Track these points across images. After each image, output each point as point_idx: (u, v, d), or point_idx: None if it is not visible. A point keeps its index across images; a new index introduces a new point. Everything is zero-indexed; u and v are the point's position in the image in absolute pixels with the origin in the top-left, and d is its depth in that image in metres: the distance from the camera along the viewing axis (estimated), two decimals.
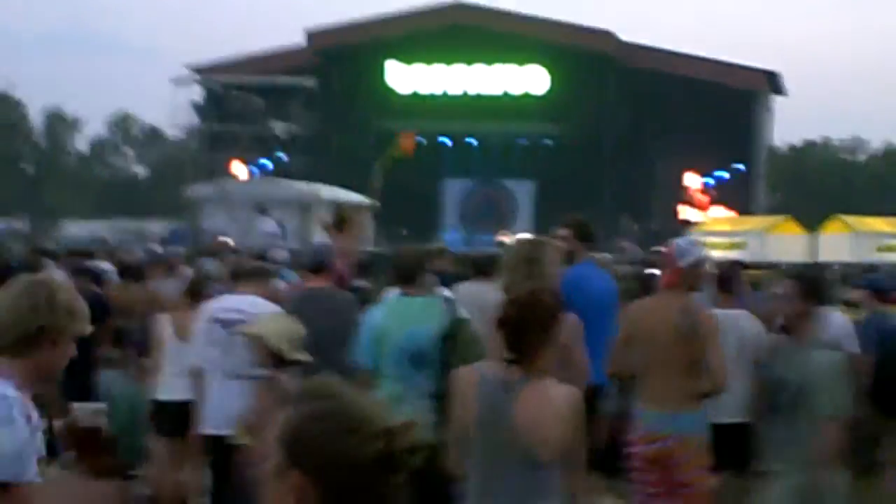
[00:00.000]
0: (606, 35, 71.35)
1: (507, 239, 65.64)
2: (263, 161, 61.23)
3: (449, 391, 7.53)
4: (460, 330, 8.02)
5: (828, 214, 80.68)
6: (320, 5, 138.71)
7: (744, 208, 69.85)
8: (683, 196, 70.80)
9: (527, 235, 56.23)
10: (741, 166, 70.22)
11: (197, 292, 10.91)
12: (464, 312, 8.29)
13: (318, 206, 49.47)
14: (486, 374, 5.87)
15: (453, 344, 7.97)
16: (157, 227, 57.13)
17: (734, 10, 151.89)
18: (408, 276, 8.13)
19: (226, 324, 9.05)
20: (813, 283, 8.08)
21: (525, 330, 5.70)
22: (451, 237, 67.48)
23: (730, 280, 10.80)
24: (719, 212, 69.06)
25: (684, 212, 69.88)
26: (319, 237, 26.81)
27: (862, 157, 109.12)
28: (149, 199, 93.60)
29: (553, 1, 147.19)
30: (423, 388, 8.30)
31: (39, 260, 14.58)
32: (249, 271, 9.63)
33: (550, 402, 5.69)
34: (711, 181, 69.00)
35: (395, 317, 8.12)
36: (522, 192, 74.59)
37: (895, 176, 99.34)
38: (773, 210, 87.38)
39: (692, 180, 69.41)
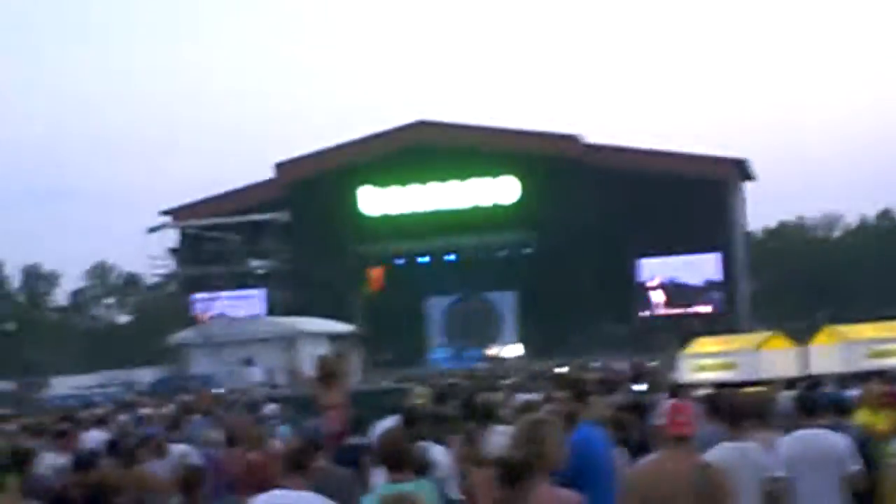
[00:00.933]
0: (572, 139, 71.87)
1: (495, 352, 65.87)
2: (244, 298, 61.21)
3: None
4: None
5: (810, 298, 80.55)
6: (288, 138, 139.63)
7: (729, 300, 70.19)
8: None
9: (516, 350, 55.67)
10: (719, 255, 70.37)
11: (192, 484, 10.07)
12: (454, 494, 8.11)
13: (303, 339, 49.37)
14: None
15: None
16: (144, 375, 56.73)
17: (697, 102, 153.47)
18: (394, 461, 7.91)
19: None
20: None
21: None
22: (439, 355, 67.50)
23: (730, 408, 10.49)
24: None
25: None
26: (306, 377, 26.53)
27: (837, 234, 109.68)
28: (132, 346, 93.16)
29: (515, 109, 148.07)
30: None
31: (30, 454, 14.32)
32: (298, 461, 8.57)
33: None
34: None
35: None
36: (504, 303, 74.74)
37: (870, 248, 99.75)
38: (755, 297, 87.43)
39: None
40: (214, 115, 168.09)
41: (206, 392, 28.34)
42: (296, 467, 8.40)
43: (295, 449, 8.64)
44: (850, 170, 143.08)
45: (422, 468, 8.63)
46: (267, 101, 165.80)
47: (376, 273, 17.64)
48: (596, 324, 66.58)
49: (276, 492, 8.33)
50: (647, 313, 71.31)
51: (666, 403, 9.03)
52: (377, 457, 8.25)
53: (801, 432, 10.66)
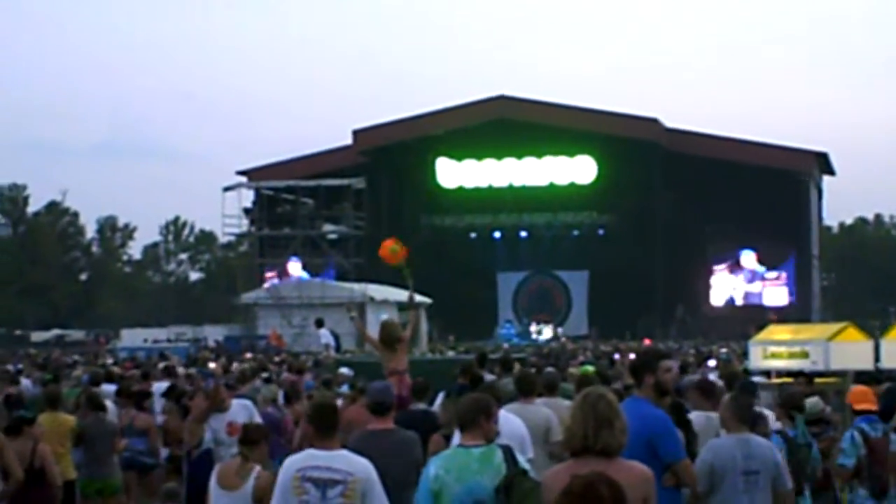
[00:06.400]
0: (652, 123, 71.21)
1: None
2: (315, 262, 61.40)
3: None
4: (517, 482, 7.83)
5: (882, 295, 79.56)
6: (368, 107, 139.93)
7: (801, 293, 69.45)
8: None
9: (575, 331, 55.00)
10: (794, 247, 69.63)
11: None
12: (522, 461, 8.10)
13: (372, 306, 49.43)
14: None
15: (508, 497, 7.79)
16: (213, 332, 57.16)
17: (779, 94, 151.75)
18: (467, 424, 7.99)
19: (318, 483, 8.47)
20: None
21: None
22: (507, 330, 67.33)
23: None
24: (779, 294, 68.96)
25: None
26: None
27: None
28: (202, 303, 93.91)
29: (596, 90, 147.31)
30: None
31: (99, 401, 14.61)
32: (329, 421, 8.67)
33: None
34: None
35: (454, 470, 7.93)
36: (576, 282, 74.55)
37: None
38: (826, 292, 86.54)
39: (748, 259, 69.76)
40: (294, 79, 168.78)
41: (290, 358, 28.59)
42: (327, 427, 8.49)
43: (319, 408, 8.72)
44: None
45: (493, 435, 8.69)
46: (348, 67, 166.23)
47: (383, 249, 17.15)
48: (666, 309, 66.32)
49: (310, 450, 8.46)
50: (718, 302, 70.86)
51: None
52: (454, 420, 8.30)
53: None
